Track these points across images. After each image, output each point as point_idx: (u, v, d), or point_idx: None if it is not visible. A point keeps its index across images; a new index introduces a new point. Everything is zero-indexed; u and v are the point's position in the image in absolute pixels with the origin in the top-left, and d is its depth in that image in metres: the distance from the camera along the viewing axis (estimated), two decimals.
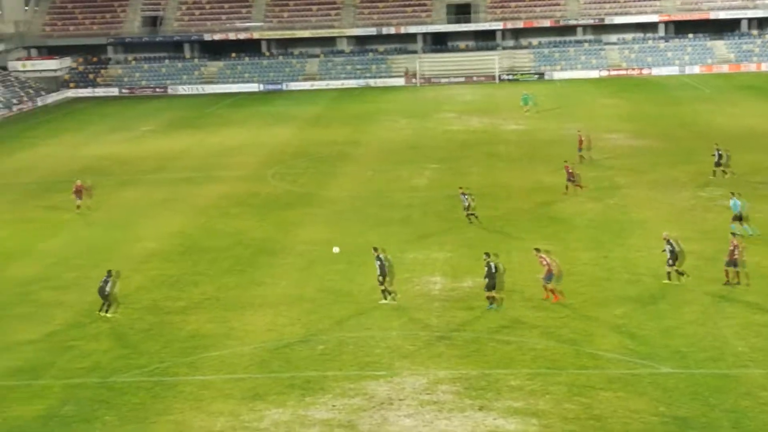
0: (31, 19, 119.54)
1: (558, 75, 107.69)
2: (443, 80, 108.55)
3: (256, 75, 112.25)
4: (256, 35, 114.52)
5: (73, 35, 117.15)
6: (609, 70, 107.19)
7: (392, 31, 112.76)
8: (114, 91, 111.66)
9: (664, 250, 35.27)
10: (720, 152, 52.17)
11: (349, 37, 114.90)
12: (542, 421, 24.98)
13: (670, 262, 35.02)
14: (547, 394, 26.59)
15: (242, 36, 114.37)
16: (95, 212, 51.05)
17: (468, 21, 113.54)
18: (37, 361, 30.92)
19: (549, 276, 33.76)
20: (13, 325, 34.50)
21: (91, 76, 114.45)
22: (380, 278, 34.47)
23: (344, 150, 67.75)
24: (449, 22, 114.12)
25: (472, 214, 44.91)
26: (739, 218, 40.69)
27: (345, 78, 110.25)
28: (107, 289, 34.15)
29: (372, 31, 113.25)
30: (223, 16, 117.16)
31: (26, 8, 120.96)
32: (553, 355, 29.35)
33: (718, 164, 52.00)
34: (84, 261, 42.22)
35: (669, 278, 35.26)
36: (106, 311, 34.37)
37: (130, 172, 62.68)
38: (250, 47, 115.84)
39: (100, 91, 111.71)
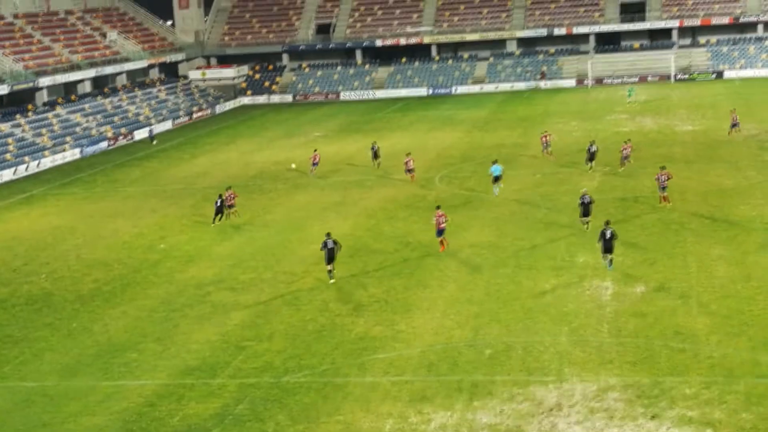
0: (210, 29, 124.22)
1: (737, 74, 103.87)
2: (615, 81, 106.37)
3: (424, 79, 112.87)
4: (425, 40, 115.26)
5: (250, 44, 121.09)
6: None
7: (563, 32, 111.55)
8: (288, 98, 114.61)
9: None
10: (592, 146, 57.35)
11: (518, 39, 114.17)
12: (718, 431, 24.07)
13: None
14: (723, 403, 25.62)
15: (412, 41, 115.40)
16: (269, 215, 52.45)
17: (642, 20, 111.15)
18: (213, 360, 32.01)
19: (440, 231, 42.23)
20: (192, 325, 35.84)
21: (266, 83, 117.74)
22: (327, 260, 38.93)
23: (512, 153, 67.25)
24: (622, 21, 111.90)
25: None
26: (496, 180, 52.27)
27: (514, 81, 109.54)
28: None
29: (542, 32, 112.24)
30: (394, 22, 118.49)
31: (205, 19, 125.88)
32: (730, 363, 28.26)
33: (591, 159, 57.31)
34: (258, 263, 43.47)
35: None
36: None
37: (303, 176, 64.09)
38: (419, 52, 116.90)
39: (275, 98, 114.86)
